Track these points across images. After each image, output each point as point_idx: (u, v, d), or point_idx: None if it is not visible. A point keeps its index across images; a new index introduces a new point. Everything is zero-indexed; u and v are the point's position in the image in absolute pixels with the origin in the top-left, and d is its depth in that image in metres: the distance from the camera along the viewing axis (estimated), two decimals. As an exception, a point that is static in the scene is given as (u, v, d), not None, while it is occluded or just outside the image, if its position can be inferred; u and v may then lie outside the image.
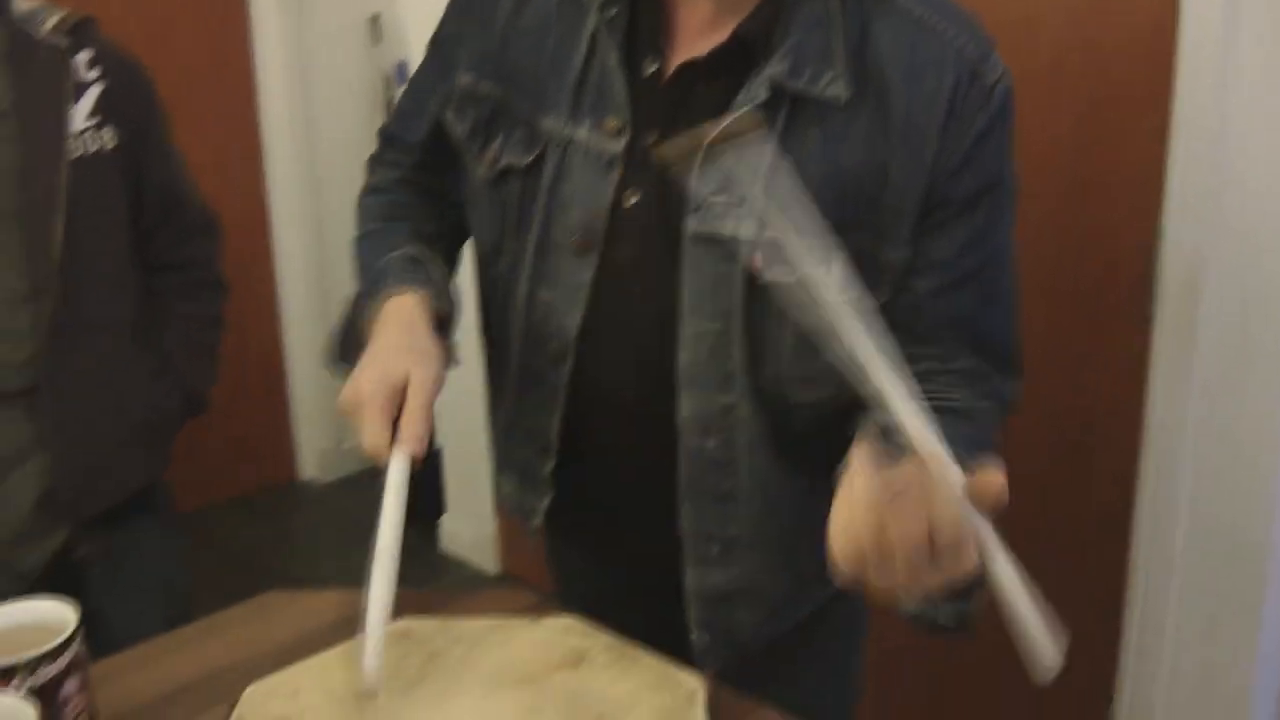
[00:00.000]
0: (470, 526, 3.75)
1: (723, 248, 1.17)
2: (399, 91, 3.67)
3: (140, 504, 1.76)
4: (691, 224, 1.18)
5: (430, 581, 3.55)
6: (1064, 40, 2.16)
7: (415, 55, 3.66)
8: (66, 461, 1.62)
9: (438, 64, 1.39)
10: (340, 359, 1.27)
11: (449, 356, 1.27)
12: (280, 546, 3.98)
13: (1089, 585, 2.35)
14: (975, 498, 0.89)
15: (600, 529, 1.38)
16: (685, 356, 1.21)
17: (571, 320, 1.26)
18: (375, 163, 1.50)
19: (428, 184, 1.45)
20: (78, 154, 1.61)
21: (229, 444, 4.05)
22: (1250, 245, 2.01)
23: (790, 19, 1.15)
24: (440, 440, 3.64)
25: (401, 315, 1.24)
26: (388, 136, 1.49)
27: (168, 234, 1.81)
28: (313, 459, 4.40)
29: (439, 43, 1.39)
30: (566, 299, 1.26)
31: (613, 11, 1.21)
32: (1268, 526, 2.06)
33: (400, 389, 1.15)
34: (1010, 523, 1.15)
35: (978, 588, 1.07)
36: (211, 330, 1.88)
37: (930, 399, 1.20)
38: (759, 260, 1.16)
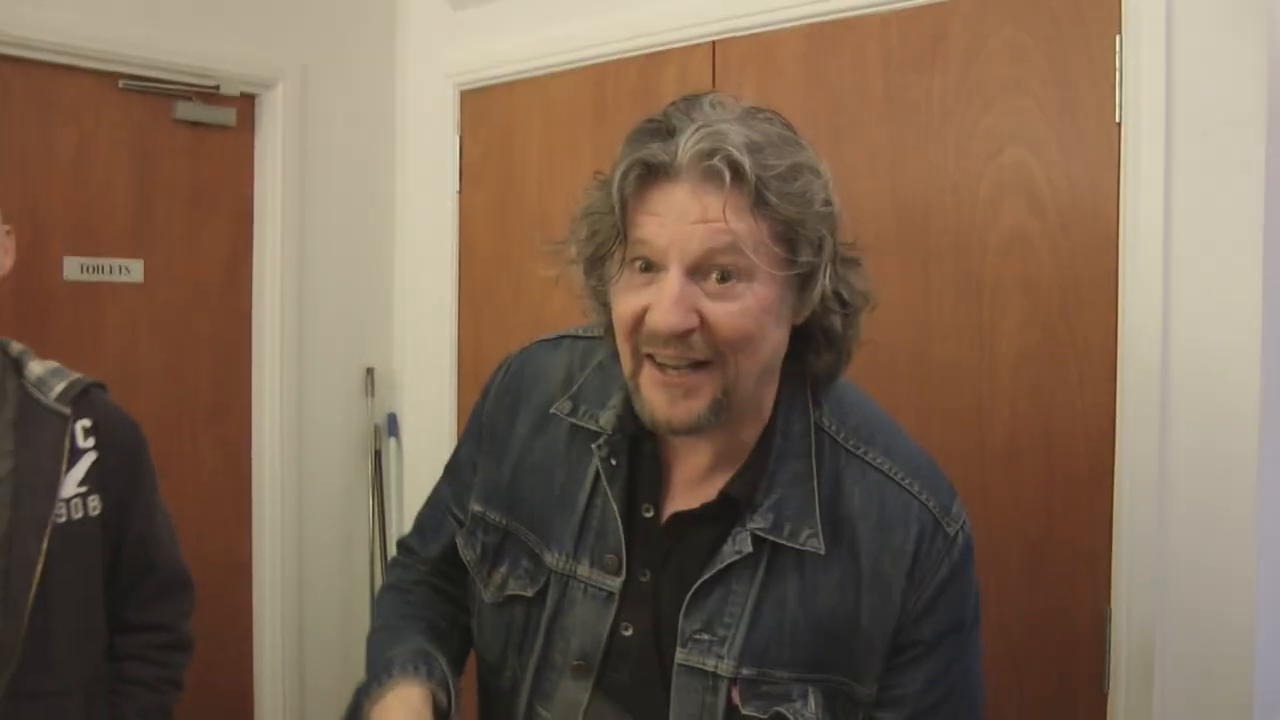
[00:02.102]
0: None
1: (705, 679, 1.26)
2: (388, 442, 3.81)
3: None
4: (680, 655, 1.27)
5: None
6: (1015, 428, 2.31)
7: (405, 409, 3.79)
8: None
9: (454, 487, 1.51)
10: None
11: None
12: None
13: None
14: None
15: None
16: None
17: None
18: (394, 565, 1.59)
19: (442, 586, 1.53)
20: (62, 520, 1.66)
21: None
22: (1198, 628, 2.09)
23: (773, 478, 1.28)
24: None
25: (407, 707, 1.29)
26: (406, 548, 1.59)
27: (139, 596, 1.84)
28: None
29: (456, 466, 1.52)
30: (564, 717, 1.33)
31: (613, 462, 1.33)
32: None
33: None
34: None
35: None
36: (170, 693, 1.87)
37: None
38: (736, 695, 1.25)
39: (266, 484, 3.70)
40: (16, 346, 1.76)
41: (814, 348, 1.28)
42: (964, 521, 1.31)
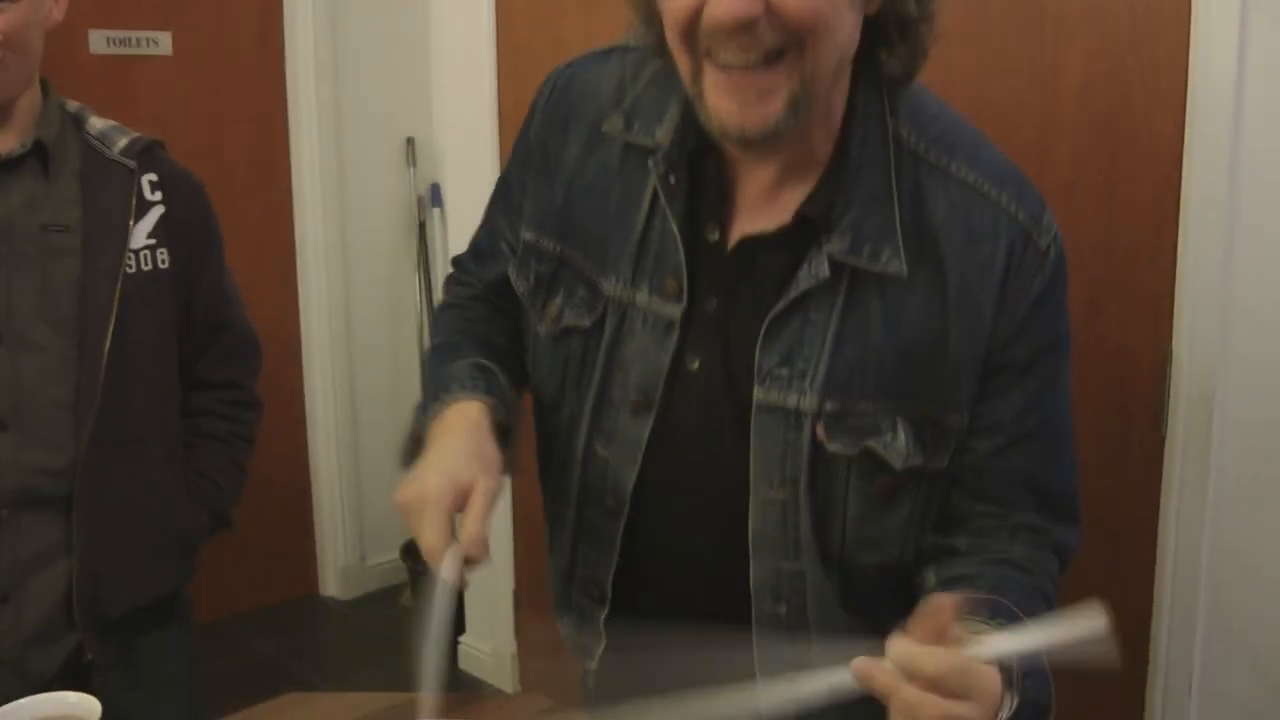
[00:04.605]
0: (489, 646, 3.73)
1: (787, 417, 1.19)
2: (431, 213, 3.77)
3: (159, 612, 1.77)
4: (758, 394, 1.19)
5: (448, 700, 3.51)
6: (1078, 163, 2.22)
7: (448, 178, 3.75)
8: (91, 568, 1.64)
9: (506, 208, 1.42)
10: (406, 462, 1.26)
11: (509, 465, 1.27)
12: (299, 658, 3.96)
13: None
14: None
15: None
16: (755, 524, 1.22)
17: (627, 477, 1.27)
18: (451, 282, 1.53)
19: (499, 303, 1.46)
20: (133, 270, 1.66)
21: (252, 557, 4.06)
22: (1260, 371, 2.04)
23: (850, 196, 1.17)
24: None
25: (467, 421, 1.24)
26: (461, 265, 1.53)
27: (211, 355, 1.87)
28: (334, 576, 4.40)
29: (506, 189, 1.42)
30: (623, 456, 1.27)
31: (672, 178, 1.22)
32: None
33: (465, 493, 1.14)
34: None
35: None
36: (243, 448, 1.92)
37: (990, 552, 1.21)
38: (821, 431, 1.18)
39: (310, 256, 3.71)
40: (73, 104, 1.74)
41: (886, 42, 1.15)
42: (1056, 233, 1.21)
